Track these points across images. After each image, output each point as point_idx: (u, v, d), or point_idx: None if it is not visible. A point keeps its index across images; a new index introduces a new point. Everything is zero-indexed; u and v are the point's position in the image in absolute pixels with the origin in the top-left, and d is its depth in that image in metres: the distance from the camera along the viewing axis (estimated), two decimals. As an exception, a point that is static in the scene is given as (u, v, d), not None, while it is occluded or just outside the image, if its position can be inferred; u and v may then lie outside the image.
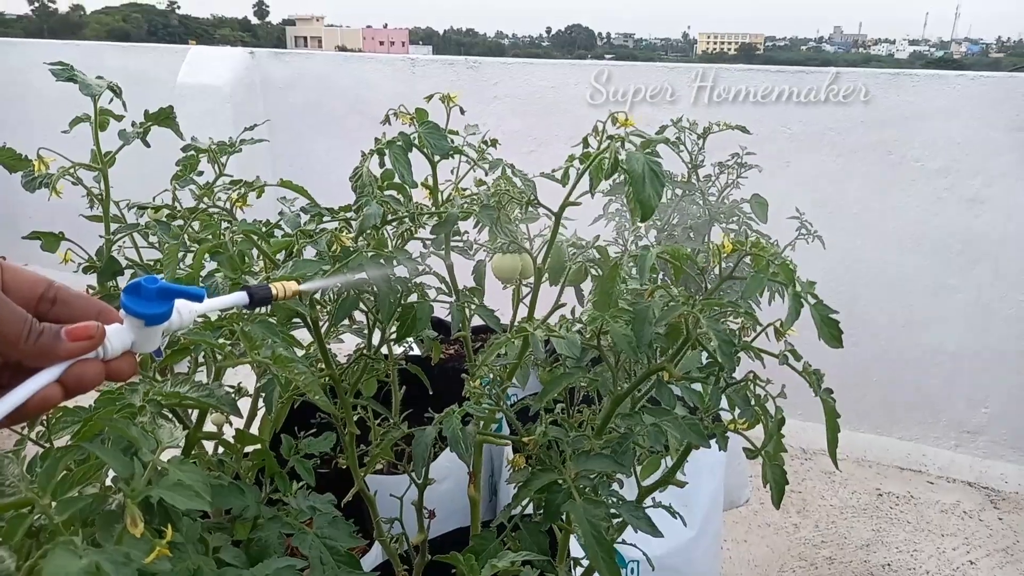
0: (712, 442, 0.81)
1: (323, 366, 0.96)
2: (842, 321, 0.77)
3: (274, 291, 0.57)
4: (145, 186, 1.25)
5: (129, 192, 1.14)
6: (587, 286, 1.22)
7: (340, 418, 1.03)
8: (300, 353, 0.88)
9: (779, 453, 0.78)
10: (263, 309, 0.81)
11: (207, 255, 0.86)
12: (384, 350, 1.08)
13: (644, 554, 1.01)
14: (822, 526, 2.30)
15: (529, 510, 0.85)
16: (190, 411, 0.97)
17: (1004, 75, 2.39)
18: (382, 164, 0.97)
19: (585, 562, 0.97)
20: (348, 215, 0.93)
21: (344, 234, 0.87)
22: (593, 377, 0.84)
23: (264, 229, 0.92)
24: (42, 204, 1.07)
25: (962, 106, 2.38)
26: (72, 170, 1.02)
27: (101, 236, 1.06)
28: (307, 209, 0.99)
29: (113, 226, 1.07)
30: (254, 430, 1.06)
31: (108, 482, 0.55)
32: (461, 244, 1.17)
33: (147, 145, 1.09)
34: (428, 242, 1.08)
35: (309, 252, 0.87)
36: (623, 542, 0.94)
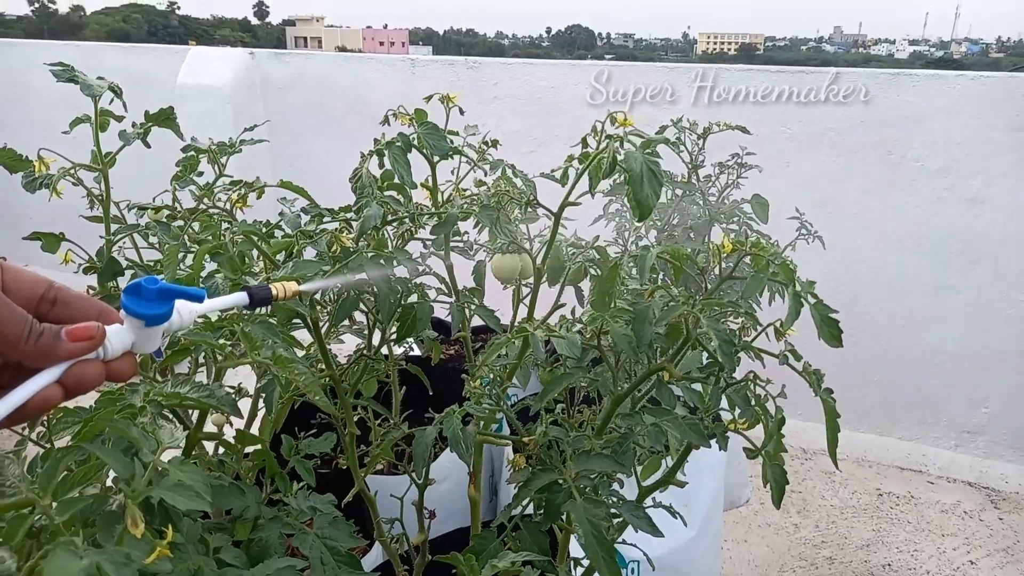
0: (712, 442, 0.81)
1: (323, 367, 0.96)
2: (842, 321, 0.77)
3: (274, 291, 0.57)
4: (145, 187, 1.25)
5: (129, 193, 1.14)
6: (588, 286, 1.22)
7: (340, 418, 1.03)
8: (300, 354, 0.88)
9: (779, 453, 0.78)
10: (263, 310, 0.81)
11: (207, 256, 0.86)
12: (384, 350, 1.08)
13: (644, 554, 1.01)
14: (822, 526, 2.30)
15: (529, 510, 0.85)
16: (191, 412, 0.97)
17: (1004, 75, 2.39)
18: (381, 165, 0.97)
19: (585, 562, 0.97)
20: (348, 216, 0.93)
21: (344, 235, 0.87)
22: (593, 377, 0.85)
23: (264, 230, 0.92)
24: (42, 205, 1.08)
25: (962, 106, 2.38)
26: (72, 171, 1.02)
27: (101, 237, 1.06)
28: (308, 210, 0.99)
29: (113, 227, 1.07)
30: (254, 431, 1.06)
31: (109, 483, 0.55)
32: (461, 244, 1.17)
33: (147, 146, 1.09)
34: (428, 242, 1.08)
35: (309, 253, 0.87)
36: (623, 542, 0.94)
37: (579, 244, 1.18)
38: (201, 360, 1.00)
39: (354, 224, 0.89)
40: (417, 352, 1.27)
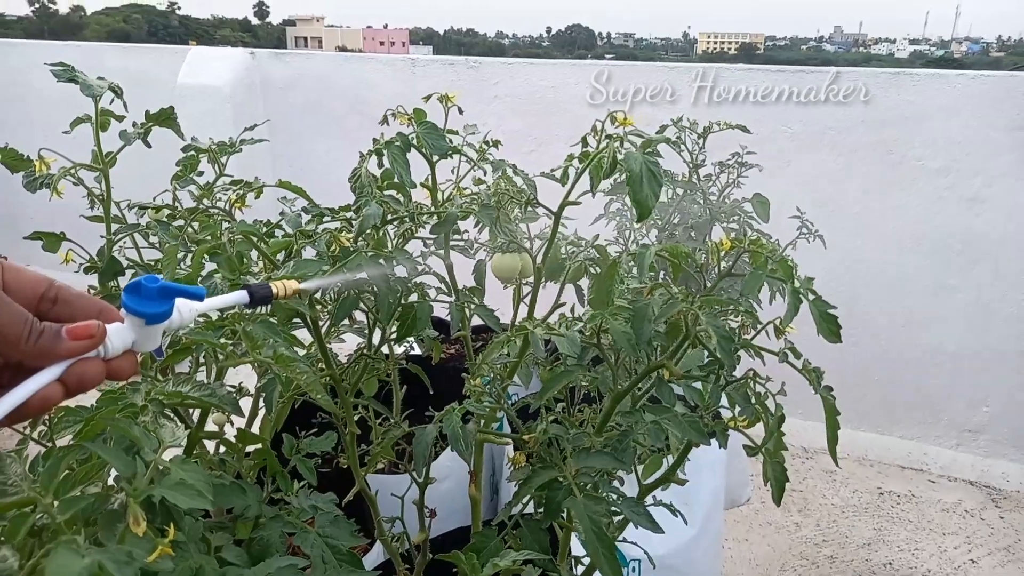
0: (712, 440, 0.82)
1: (323, 366, 0.97)
2: (842, 321, 0.77)
3: (274, 290, 0.57)
4: (146, 186, 1.25)
5: (130, 192, 1.15)
6: (588, 285, 1.22)
7: (341, 417, 1.03)
8: (301, 353, 0.88)
9: (779, 450, 0.78)
10: (264, 309, 0.81)
11: (206, 256, 0.86)
12: (385, 350, 1.08)
13: (645, 552, 1.01)
14: (823, 525, 2.30)
15: (530, 508, 0.85)
16: (192, 411, 0.97)
17: (1004, 74, 2.39)
18: (381, 164, 0.97)
19: (586, 560, 0.97)
20: (348, 215, 0.93)
21: (343, 234, 0.87)
22: (594, 375, 0.85)
23: (265, 229, 0.92)
24: (43, 204, 1.08)
25: (962, 105, 2.38)
26: (73, 170, 1.03)
27: (102, 236, 1.07)
28: (308, 209, 1.00)
29: (114, 226, 1.07)
30: (255, 430, 1.06)
31: (110, 481, 0.56)
32: (461, 243, 1.18)
33: (148, 145, 1.09)
34: (428, 241, 1.08)
35: (309, 252, 0.87)
36: (624, 540, 0.94)
37: (579, 243, 1.18)
38: (202, 359, 1.00)
39: (354, 223, 0.89)
40: (418, 351, 1.27)
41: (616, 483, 0.84)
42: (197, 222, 0.99)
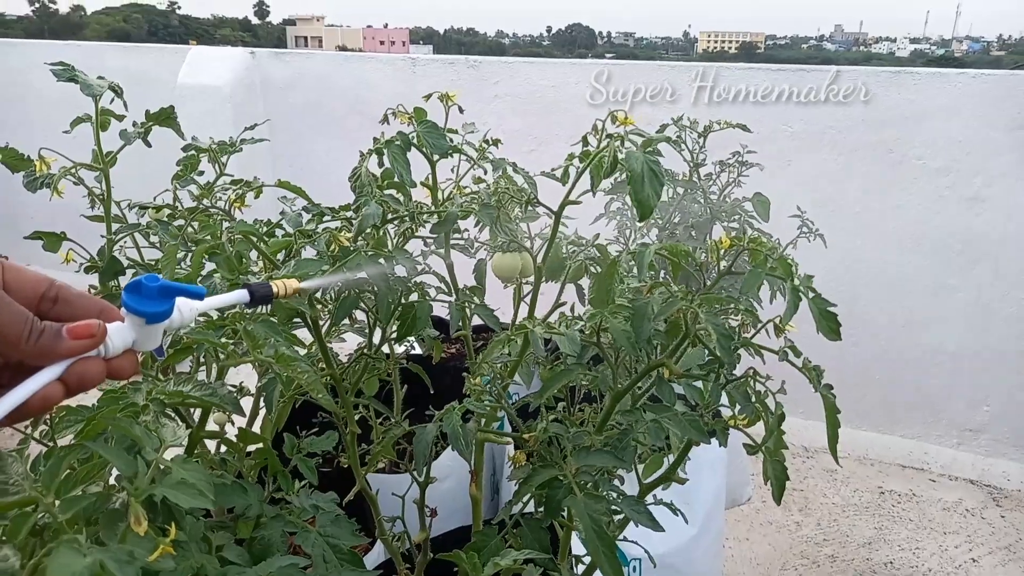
0: (713, 439, 0.82)
1: (324, 365, 0.97)
2: (842, 320, 0.77)
3: (275, 289, 0.57)
4: (146, 186, 1.25)
5: (130, 192, 1.15)
6: (588, 284, 1.22)
7: (342, 417, 1.03)
8: (302, 352, 0.88)
9: (779, 449, 0.78)
10: (264, 308, 0.81)
11: (206, 255, 0.86)
12: (385, 349, 1.08)
13: (646, 551, 1.01)
14: (824, 524, 2.30)
15: (531, 507, 0.85)
16: (193, 410, 0.97)
17: (1005, 73, 2.39)
18: (381, 164, 0.97)
19: (587, 559, 0.97)
20: (348, 215, 0.93)
21: (343, 234, 0.87)
22: (594, 374, 0.85)
23: (265, 229, 0.92)
24: (43, 204, 1.08)
25: (963, 104, 2.37)
26: (73, 170, 1.03)
27: (102, 236, 1.07)
28: (308, 209, 1.00)
29: (114, 226, 1.07)
30: (256, 429, 1.06)
31: (112, 481, 0.56)
32: (462, 243, 1.18)
33: (148, 145, 1.09)
34: (429, 241, 1.08)
35: (309, 252, 0.87)
36: (624, 539, 0.94)
37: (579, 242, 1.18)
38: (203, 359, 1.00)
39: (354, 223, 0.89)
40: (418, 351, 1.27)
41: (616, 482, 0.84)
42: (197, 222, 0.99)
